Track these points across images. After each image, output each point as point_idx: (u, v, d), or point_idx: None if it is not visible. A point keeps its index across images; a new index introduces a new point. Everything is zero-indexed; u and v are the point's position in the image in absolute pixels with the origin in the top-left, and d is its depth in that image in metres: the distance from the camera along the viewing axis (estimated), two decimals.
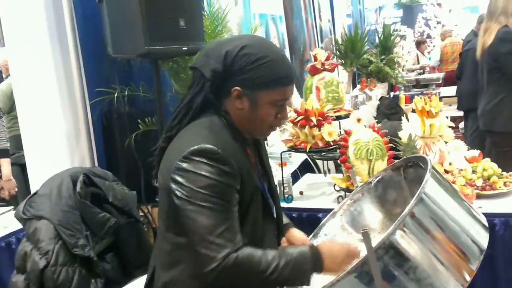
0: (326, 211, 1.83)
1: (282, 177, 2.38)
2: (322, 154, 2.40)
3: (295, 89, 4.68)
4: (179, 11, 2.29)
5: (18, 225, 2.29)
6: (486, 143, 3.47)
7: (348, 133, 2.19)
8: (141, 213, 2.40)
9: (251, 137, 1.40)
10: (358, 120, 2.24)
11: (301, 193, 2.50)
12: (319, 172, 3.32)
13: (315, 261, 1.26)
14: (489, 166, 2.28)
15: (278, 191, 2.39)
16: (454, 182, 2.16)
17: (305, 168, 3.25)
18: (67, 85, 2.42)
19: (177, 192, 1.21)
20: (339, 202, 2.13)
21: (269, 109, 1.28)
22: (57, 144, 2.39)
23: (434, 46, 10.21)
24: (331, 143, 2.25)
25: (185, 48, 2.30)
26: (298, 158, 3.22)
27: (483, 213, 1.36)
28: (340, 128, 2.59)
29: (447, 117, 2.39)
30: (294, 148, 2.33)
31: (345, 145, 2.17)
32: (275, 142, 3.57)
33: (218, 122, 1.29)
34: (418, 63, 8.04)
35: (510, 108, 3.16)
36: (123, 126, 2.54)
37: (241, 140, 1.32)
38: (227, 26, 2.87)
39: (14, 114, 3.68)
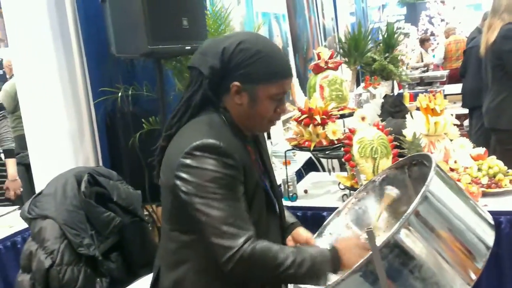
0: (331, 209, 1.83)
1: (287, 176, 2.37)
2: (327, 152, 2.40)
3: (299, 88, 4.69)
4: (182, 11, 2.29)
5: (24, 225, 2.29)
6: (491, 141, 3.45)
7: (352, 131, 2.18)
8: (145, 213, 2.40)
9: (250, 134, 1.40)
10: (363, 118, 2.24)
11: (305, 191, 2.50)
12: (324, 170, 3.32)
13: (334, 262, 1.25)
14: (495, 163, 2.27)
15: (283, 190, 2.41)
16: (459, 180, 2.15)
17: (309, 166, 3.25)
18: (70, 85, 2.42)
19: (183, 188, 1.21)
20: (343, 201, 2.12)
21: (268, 103, 1.29)
22: (61, 143, 2.40)
23: (438, 44, 10.18)
24: (335, 142, 2.25)
25: (188, 47, 2.30)
26: (302, 157, 3.22)
27: (488, 211, 1.35)
28: (344, 127, 2.59)
29: (451, 115, 2.38)
30: (298, 147, 2.33)
31: (349, 144, 2.16)
32: (279, 141, 3.57)
33: (218, 119, 1.29)
34: (422, 61, 8.01)
35: None
36: (127, 125, 2.55)
37: (241, 137, 1.32)
38: (230, 25, 2.87)
39: (18, 114, 3.69)
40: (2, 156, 3.37)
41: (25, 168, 3.40)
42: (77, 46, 2.42)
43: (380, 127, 2.22)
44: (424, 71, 6.78)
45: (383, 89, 5.13)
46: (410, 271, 1.13)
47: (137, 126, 2.48)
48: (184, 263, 1.30)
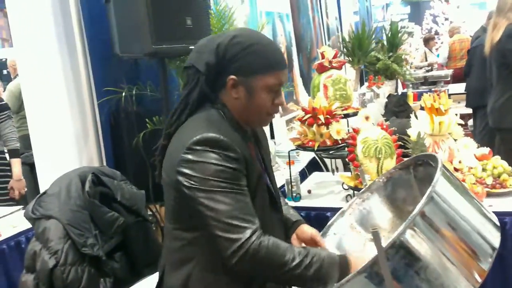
0: (335, 210, 1.82)
1: (290, 176, 2.37)
2: (330, 152, 2.39)
3: (302, 87, 4.69)
4: (186, 10, 2.29)
5: (27, 225, 2.30)
6: (495, 140, 3.44)
7: (356, 131, 2.18)
8: (149, 213, 2.40)
9: (250, 130, 1.40)
10: (367, 118, 2.23)
11: (309, 191, 2.49)
12: (327, 170, 3.31)
13: (342, 270, 1.24)
14: (499, 164, 2.25)
15: (286, 190, 2.40)
16: (464, 180, 2.14)
17: (313, 166, 3.24)
18: (75, 84, 2.42)
19: (186, 183, 1.22)
20: (347, 201, 2.11)
21: (265, 94, 1.29)
22: (65, 143, 2.40)
23: (442, 43, 10.15)
24: (339, 142, 2.24)
25: (192, 47, 2.28)
26: (305, 157, 3.22)
27: (493, 212, 1.34)
28: (348, 126, 2.58)
29: (456, 115, 2.37)
30: (302, 147, 2.33)
31: (353, 143, 2.15)
32: (283, 141, 3.57)
33: (216, 115, 1.30)
34: (426, 60, 7.98)
35: None
36: (131, 125, 2.55)
37: (240, 133, 1.32)
38: (234, 25, 2.87)
39: (23, 114, 3.70)
40: (7, 156, 3.38)
41: (29, 168, 3.42)
42: (81, 46, 2.42)
43: (384, 127, 2.21)
44: (428, 71, 6.76)
45: (387, 88, 5.11)
46: (416, 272, 1.13)
47: (141, 125, 2.48)
48: (189, 261, 1.30)
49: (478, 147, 2.40)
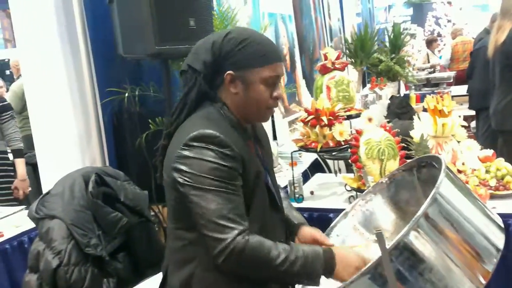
0: (338, 211, 1.83)
1: (293, 177, 2.37)
2: (333, 154, 2.39)
3: (305, 89, 4.67)
4: (189, 11, 2.29)
5: (30, 225, 2.31)
6: (498, 142, 3.43)
7: (359, 132, 2.18)
8: (152, 213, 2.40)
9: (251, 129, 1.41)
10: (370, 120, 2.23)
11: (311, 193, 2.49)
12: (329, 172, 3.31)
13: (327, 263, 1.26)
14: (503, 166, 2.25)
15: (289, 191, 2.40)
16: (467, 182, 2.14)
17: (315, 168, 3.23)
18: (78, 85, 2.43)
19: (180, 180, 1.23)
20: (350, 202, 2.11)
21: (262, 87, 1.30)
22: (68, 144, 2.40)
23: (444, 45, 10.14)
24: (342, 143, 2.24)
25: None
26: (308, 158, 3.21)
27: (497, 214, 1.34)
28: (351, 128, 2.58)
29: (459, 116, 2.36)
30: (305, 148, 2.32)
31: (356, 145, 2.15)
32: (285, 142, 3.57)
33: (214, 112, 1.31)
34: (429, 62, 7.97)
35: None
36: (133, 126, 2.55)
37: (240, 131, 1.33)
38: (237, 26, 2.87)
39: (26, 114, 3.71)
40: (10, 156, 3.39)
41: (32, 168, 3.43)
42: (85, 46, 2.42)
43: (387, 128, 2.21)
44: (430, 72, 6.75)
45: (389, 90, 5.11)
46: (420, 274, 1.13)
47: (144, 126, 2.48)
48: (191, 261, 1.30)
49: (481, 149, 2.40)
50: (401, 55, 5.03)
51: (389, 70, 4.87)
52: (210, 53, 1.29)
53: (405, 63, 5.12)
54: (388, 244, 1.11)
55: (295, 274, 1.23)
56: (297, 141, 2.38)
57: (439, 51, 9.35)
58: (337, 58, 2.57)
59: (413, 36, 8.31)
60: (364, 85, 5.67)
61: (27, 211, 2.39)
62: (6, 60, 7.64)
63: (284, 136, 3.78)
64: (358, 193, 2.18)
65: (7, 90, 4.82)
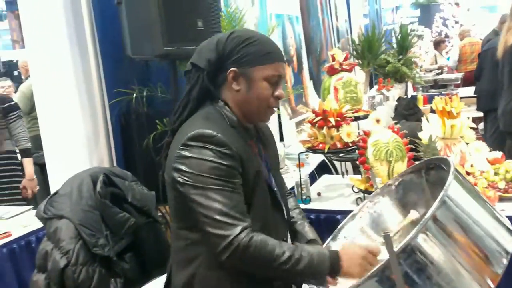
0: (345, 212, 1.82)
1: (300, 178, 2.36)
2: (340, 155, 2.38)
3: (313, 90, 4.66)
4: (197, 12, 2.29)
5: (38, 224, 2.32)
6: (506, 144, 3.40)
7: (367, 134, 2.17)
8: (159, 214, 2.40)
9: (254, 130, 1.42)
10: (377, 121, 2.22)
11: (319, 194, 2.49)
12: (337, 173, 3.30)
13: (333, 263, 1.26)
14: None
15: (296, 192, 2.39)
16: (476, 184, 2.12)
17: (322, 169, 3.23)
18: (86, 85, 2.44)
19: (180, 179, 1.24)
20: (357, 204, 2.11)
21: (265, 85, 1.32)
22: (76, 144, 2.41)
23: (452, 46, 10.08)
24: (350, 144, 2.23)
25: None
26: (315, 159, 3.21)
27: (506, 216, 1.33)
28: (358, 129, 2.57)
29: (467, 118, 2.35)
30: (312, 149, 2.32)
31: (364, 146, 2.14)
32: (293, 143, 3.56)
33: (214, 112, 1.32)
34: (436, 63, 7.93)
35: None
36: (141, 126, 2.55)
37: (241, 131, 1.34)
38: (244, 27, 2.87)
39: (34, 114, 3.75)
40: (18, 156, 3.41)
41: (40, 168, 3.45)
42: (93, 47, 2.43)
43: (395, 129, 2.20)
44: (438, 74, 6.72)
45: (396, 91, 5.09)
46: (428, 277, 1.12)
47: (151, 127, 2.49)
48: (194, 260, 1.31)
49: (490, 150, 2.38)
50: (408, 56, 5.01)
51: (397, 72, 4.85)
52: (214, 51, 1.31)
53: (413, 64, 5.10)
54: (396, 247, 1.11)
55: (299, 273, 1.24)
56: (305, 142, 2.38)
57: (446, 52, 9.30)
58: (345, 59, 2.57)
59: (420, 37, 8.28)
60: (371, 87, 5.66)
61: (35, 211, 2.41)
62: (14, 61, 7.71)
63: (291, 137, 3.78)
64: (365, 194, 2.17)
65: (16, 90, 4.86)
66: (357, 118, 2.47)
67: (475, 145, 2.37)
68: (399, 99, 4.54)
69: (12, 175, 3.33)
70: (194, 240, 1.30)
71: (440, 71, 6.86)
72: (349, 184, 2.41)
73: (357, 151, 2.20)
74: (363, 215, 1.65)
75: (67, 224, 1.67)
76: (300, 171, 2.38)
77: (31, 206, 2.77)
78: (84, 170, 1.89)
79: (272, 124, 3.66)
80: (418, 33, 7.07)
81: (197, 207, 1.22)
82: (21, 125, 3.36)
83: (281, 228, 1.42)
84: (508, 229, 1.27)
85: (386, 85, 4.87)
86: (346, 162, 2.95)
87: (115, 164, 2.50)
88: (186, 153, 1.24)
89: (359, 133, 2.37)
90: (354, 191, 2.34)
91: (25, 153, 3.32)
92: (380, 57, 4.76)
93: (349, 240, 1.62)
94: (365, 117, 2.42)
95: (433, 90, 6.12)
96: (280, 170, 2.90)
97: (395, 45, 5.06)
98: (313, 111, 2.31)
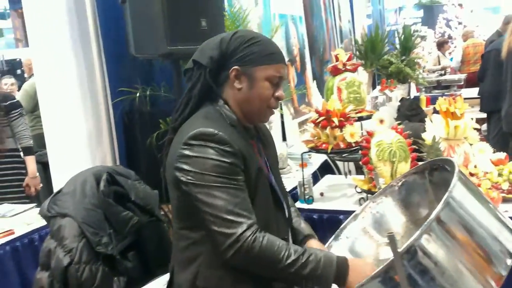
0: (347, 213, 1.82)
1: (303, 178, 2.36)
2: (344, 155, 2.38)
3: (316, 90, 4.67)
4: (201, 12, 2.29)
5: (41, 223, 2.33)
6: (509, 145, 3.40)
7: (370, 134, 2.17)
8: (161, 212, 2.41)
9: (254, 130, 1.42)
10: (381, 121, 2.22)
11: (321, 194, 2.49)
12: (339, 173, 3.30)
13: (339, 271, 1.25)
14: None
15: (299, 192, 2.39)
16: (479, 185, 2.12)
17: (325, 169, 3.23)
18: (89, 84, 2.44)
19: (183, 179, 1.24)
20: (360, 204, 2.10)
21: (266, 85, 1.32)
22: (79, 143, 2.42)
23: (455, 47, 10.06)
24: (353, 144, 2.23)
25: None
26: (317, 159, 3.21)
27: (509, 217, 1.33)
28: (362, 129, 2.57)
29: (471, 119, 2.34)
30: (315, 149, 2.32)
31: (367, 147, 2.14)
32: (295, 143, 3.56)
33: (214, 112, 1.33)
34: (439, 64, 7.92)
35: None
36: (144, 125, 2.56)
37: (241, 130, 1.34)
38: (248, 26, 2.87)
39: (37, 113, 3.75)
40: (21, 154, 3.41)
41: (42, 167, 3.45)
42: (96, 46, 2.43)
43: (399, 130, 2.20)
44: (441, 75, 6.71)
45: (399, 92, 5.08)
46: (431, 278, 1.12)
47: (154, 126, 2.49)
48: (195, 260, 1.31)
49: (494, 151, 2.38)
50: (411, 57, 5.00)
51: (400, 72, 4.85)
52: (217, 49, 1.31)
53: (416, 65, 5.09)
54: (399, 248, 1.10)
55: (304, 276, 1.23)
56: (308, 142, 2.38)
57: (449, 53, 9.28)
58: (349, 59, 2.57)
59: (423, 38, 8.26)
60: (374, 87, 5.65)
61: (38, 209, 2.41)
62: (17, 59, 7.73)
63: (294, 137, 3.78)
64: (368, 195, 2.17)
65: (19, 88, 4.87)
66: (360, 119, 2.46)
67: (478, 146, 2.37)
68: (402, 99, 4.53)
69: (15, 173, 3.33)
70: (195, 239, 1.30)
71: (443, 72, 6.85)
72: (352, 184, 2.41)
73: (360, 152, 2.19)
74: (365, 215, 1.64)
75: (71, 222, 1.67)
76: (303, 171, 2.38)
77: (34, 204, 2.77)
78: (87, 168, 1.89)
79: (275, 124, 3.66)
80: (421, 34, 7.05)
81: (201, 206, 1.22)
82: (23, 123, 3.36)
83: (282, 226, 1.42)
84: (511, 230, 1.27)
85: (389, 85, 4.86)
86: (349, 163, 2.95)
87: (118, 163, 2.50)
88: (188, 152, 1.24)
89: (362, 133, 2.37)
90: (357, 192, 2.34)
91: (28, 151, 3.33)
92: (383, 58, 4.75)
93: (351, 240, 1.62)
94: (369, 117, 2.42)
95: (436, 91, 6.11)
96: (283, 170, 2.93)
97: (398, 46, 5.06)
98: (317, 111, 2.31)
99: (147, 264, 1.79)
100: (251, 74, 1.31)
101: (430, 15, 14.04)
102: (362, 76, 4.97)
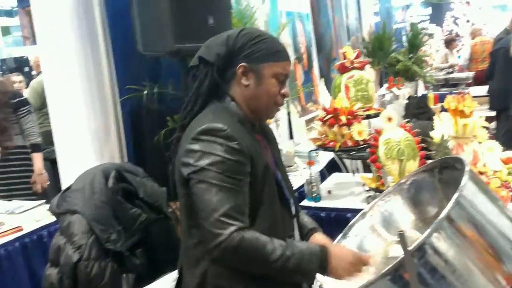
0: (355, 211, 1.81)
1: (310, 176, 2.36)
2: (351, 153, 2.37)
3: (324, 88, 4.66)
4: (208, 9, 2.29)
5: (50, 219, 2.34)
6: None
7: (378, 132, 2.16)
8: (169, 210, 2.41)
9: (259, 127, 1.42)
10: (389, 119, 2.21)
11: (329, 192, 2.48)
12: (347, 171, 3.29)
13: (322, 261, 1.27)
14: None
15: (306, 190, 2.39)
16: (488, 184, 2.11)
17: (331, 167, 3.22)
18: (97, 82, 2.45)
19: (184, 171, 1.24)
20: (368, 202, 2.10)
21: (274, 82, 1.33)
22: (87, 140, 2.42)
23: (463, 45, 9.99)
24: (361, 142, 2.22)
25: None
26: (324, 157, 3.20)
27: None
28: (370, 127, 2.56)
29: (480, 117, 2.33)
30: (323, 147, 2.31)
31: (375, 145, 2.14)
32: (302, 141, 3.56)
33: (222, 109, 1.32)
34: (447, 62, 7.87)
35: None
36: (152, 123, 2.57)
37: (248, 126, 1.34)
38: (255, 24, 2.87)
39: (45, 110, 3.76)
40: (29, 151, 3.43)
41: (50, 164, 3.46)
42: (104, 44, 2.44)
43: (407, 128, 2.19)
44: (449, 73, 6.67)
45: (406, 90, 5.06)
46: (442, 277, 1.11)
47: (162, 123, 2.50)
48: (205, 258, 1.30)
49: (503, 150, 2.36)
50: (419, 54, 4.97)
51: (407, 70, 4.82)
52: (224, 46, 1.31)
53: (423, 63, 5.06)
54: (410, 246, 1.10)
55: (290, 270, 1.24)
56: (315, 140, 2.37)
57: (457, 51, 9.22)
58: (357, 57, 2.56)
59: (431, 36, 8.21)
60: (381, 85, 5.63)
61: (47, 205, 2.43)
62: (25, 57, 7.77)
63: (301, 135, 3.77)
64: (376, 193, 2.16)
65: (26, 86, 4.89)
66: (368, 117, 2.46)
67: (487, 144, 2.35)
68: (409, 98, 4.51)
69: (24, 170, 3.34)
70: (203, 238, 1.30)
71: (451, 70, 6.81)
72: (360, 183, 2.40)
73: (368, 150, 2.19)
74: (374, 213, 1.63)
75: (80, 219, 1.68)
76: (310, 168, 2.38)
77: (43, 201, 2.79)
78: (96, 165, 1.90)
79: (282, 122, 3.66)
80: (428, 31, 7.01)
81: (197, 200, 1.23)
82: (31, 120, 3.38)
83: (289, 223, 1.42)
84: None
85: (397, 83, 4.84)
86: (357, 161, 2.94)
87: (125, 160, 2.51)
88: (194, 147, 1.24)
89: (370, 131, 2.36)
90: (365, 190, 2.34)
91: (35, 147, 3.34)
92: (391, 56, 4.73)
93: (359, 238, 1.61)
94: (376, 115, 2.41)
95: (444, 89, 6.08)
96: (290, 168, 2.92)
97: (405, 44, 5.03)
98: (324, 109, 2.30)
99: (155, 261, 1.80)
100: (259, 71, 1.31)
101: (437, 13, 13.95)
102: (369, 74, 4.95)
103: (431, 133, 2.31)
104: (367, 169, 3.01)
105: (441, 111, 3.17)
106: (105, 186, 1.75)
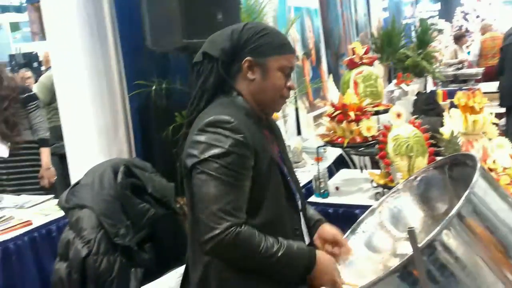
0: (363, 207, 1.81)
1: (318, 172, 2.35)
2: (360, 149, 2.37)
3: (332, 83, 4.63)
4: (217, 5, 2.29)
5: (59, 214, 2.35)
6: None
7: (387, 128, 2.15)
8: (177, 205, 2.42)
9: (266, 121, 1.42)
10: (398, 115, 2.19)
11: (337, 188, 2.47)
12: (355, 168, 3.28)
13: (308, 263, 1.28)
14: None
15: (314, 186, 2.39)
16: (498, 181, 2.09)
17: (339, 163, 3.21)
18: (106, 77, 2.45)
19: (189, 163, 1.24)
20: (376, 199, 2.09)
21: (279, 75, 1.33)
22: (96, 135, 2.43)
23: (473, 41, 9.90)
24: (369, 139, 2.21)
25: None
26: (332, 154, 3.19)
27: None
28: (378, 123, 2.55)
29: (491, 113, 2.31)
30: (331, 143, 2.31)
31: (384, 141, 2.12)
32: (310, 137, 3.55)
33: (229, 102, 1.32)
34: (456, 58, 7.81)
35: None
36: (160, 118, 2.57)
37: (255, 119, 1.34)
38: (264, 19, 2.86)
39: (54, 105, 3.78)
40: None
41: (59, 158, 3.49)
42: (113, 39, 2.44)
43: (416, 124, 2.17)
44: (458, 69, 6.61)
45: (415, 86, 5.03)
46: (451, 274, 1.10)
47: (170, 119, 2.50)
48: None
49: None
50: (428, 50, 4.94)
51: (416, 66, 4.80)
52: (229, 40, 1.31)
53: (432, 59, 5.03)
54: (420, 243, 1.09)
55: (280, 268, 1.25)
56: (323, 136, 2.37)
57: (467, 46, 9.14)
58: (366, 52, 2.54)
59: (440, 31, 8.14)
60: (389, 81, 5.60)
61: (55, 200, 2.44)
62: (34, 52, 7.82)
63: (309, 131, 3.76)
64: (384, 189, 2.15)
65: (35, 81, 4.92)
66: (377, 113, 2.44)
67: (497, 141, 2.33)
68: (418, 93, 4.49)
69: (32, 164, 3.36)
70: None
71: (460, 65, 6.76)
72: (368, 179, 2.40)
73: (377, 146, 2.18)
74: (382, 210, 1.63)
75: (89, 213, 1.69)
76: (318, 164, 2.37)
77: (52, 195, 2.80)
78: (105, 160, 1.91)
79: (290, 117, 3.65)
80: (438, 27, 6.95)
81: (197, 191, 1.23)
82: (40, 115, 3.39)
83: (295, 217, 1.42)
84: None
85: (405, 79, 4.82)
86: (365, 157, 2.93)
87: (134, 155, 2.52)
88: (200, 138, 1.24)
89: (379, 127, 2.35)
90: (373, 186, 2.33)
91: (43, 142, 3.36)
92: (400, 51, 4.71)
93: (368, 234, 1.61)
94: (385, 111, 2.39)
95: (453, 85, 6.03)
96: (297, 164, 2.91)
97: (414, 39, 5.00)
98: (332, 105, 2.29)
99: (163, 256, 1.80)
100: (265, 64, 1.31)
101: (447, 8, 13.84)
102: (378, 69, 4.93)
103: (441, 130, 2.29)
104: (375, 165, 2.99)
105: (450, 107, 3.15)
106: (114, 181, 1.76)
